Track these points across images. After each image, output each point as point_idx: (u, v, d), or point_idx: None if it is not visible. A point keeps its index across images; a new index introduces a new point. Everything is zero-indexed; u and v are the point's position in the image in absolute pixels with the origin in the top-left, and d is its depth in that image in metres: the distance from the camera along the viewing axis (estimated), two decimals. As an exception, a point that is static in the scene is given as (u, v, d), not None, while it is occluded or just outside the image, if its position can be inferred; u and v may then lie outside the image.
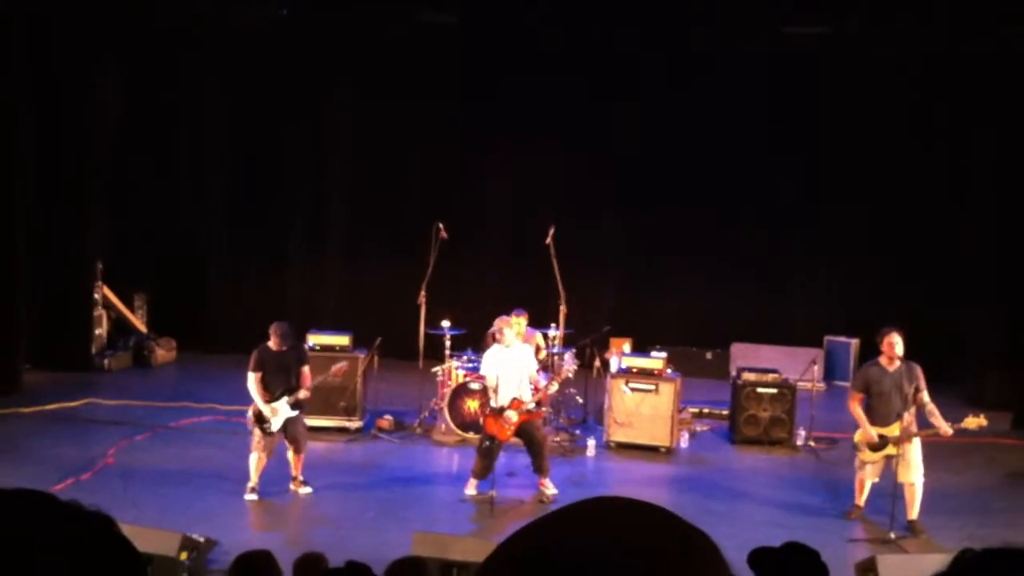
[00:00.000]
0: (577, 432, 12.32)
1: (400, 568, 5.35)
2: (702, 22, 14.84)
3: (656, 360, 12.06)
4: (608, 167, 15.81)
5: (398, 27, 15.45)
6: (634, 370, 11.92)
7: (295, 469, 9.92)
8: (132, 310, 16.13)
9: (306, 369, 9.88)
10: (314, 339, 12.14)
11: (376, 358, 12.36)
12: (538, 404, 10.37)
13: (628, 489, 10.35)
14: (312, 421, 11.11)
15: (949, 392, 12.07)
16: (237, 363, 10.10)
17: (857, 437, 9.42)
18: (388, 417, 12.30)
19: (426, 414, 12.35)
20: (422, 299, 12.67)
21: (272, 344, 9.73)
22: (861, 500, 9.59)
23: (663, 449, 11.69)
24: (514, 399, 9.88)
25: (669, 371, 11.99)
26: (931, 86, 15.00)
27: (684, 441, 12.07)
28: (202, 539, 7.82)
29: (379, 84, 15.80)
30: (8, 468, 10.10)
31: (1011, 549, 1.25)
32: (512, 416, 9.84)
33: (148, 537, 6.88)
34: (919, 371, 9.22)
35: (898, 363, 9.20)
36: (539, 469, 10.04)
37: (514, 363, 10.03)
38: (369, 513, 9.50)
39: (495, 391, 9.98)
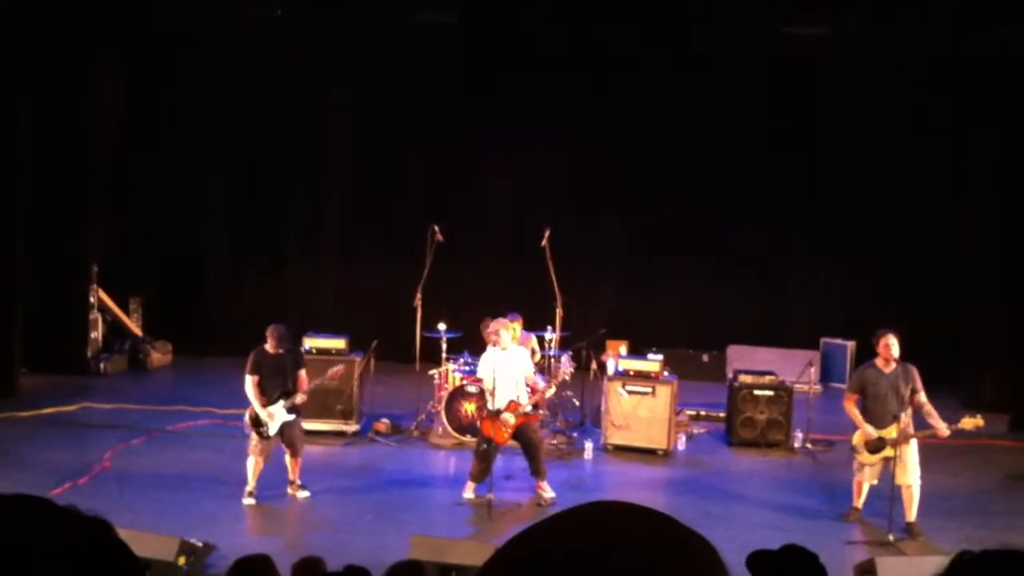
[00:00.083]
0: (574, 435, 12.31)
1: (398, 572, 5.34)
2: (702, 22, 14.85)
3: (653, 362, 12.06)
4: (608, 167, 15.81)
5: (397, 27, 15.45)
6: (631, 372, 11.93)
7: (292, 473, 9.91)
8: (128, 313, 16.11)
9: (303, 372, 9.87)
10: (311, 342, 12.13)
11: (373, 361, 12.35)
12: (535, 407, 10.37)
13: (625, 492, 10.35)
14: (309, 425, 11.10)
15: (947, 393, 12.08)
16: (234, 366, 10.10)
17: (855, 439, 9.42)
18: (385, 420, 12.29)
19: (423, 417, 12.34)
20: (418, 302, 12.67)
21: (269, 347, 9.72)
22: (859, 502, 9.59)
23: (660, 452, 11.69)
24: (511, 402, 9.88)
25: (666, 373, 11.98)
26: (931, 86, 15.02)
27: (681, 444, 12.07)
28: (200, 543, 7.81)
29: (378, 85, 15.80)
30: (4, 473, 10.07)
31: (1008, 551, 1.25)
32: (509, 418, 9.83)
33: (146, 542, 6.87)
34: (915, 373, 9.23)
35: (894, 365, 9.21)
36: (536, 472, 10.03)
37: (510, 365, 10.03)
38: (367, 517, 9.49)
39: (492, 394, 9.98)
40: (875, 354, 9.38)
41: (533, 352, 11.79)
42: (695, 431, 12.68)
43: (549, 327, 12.64)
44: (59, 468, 10.30)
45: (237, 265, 16.39)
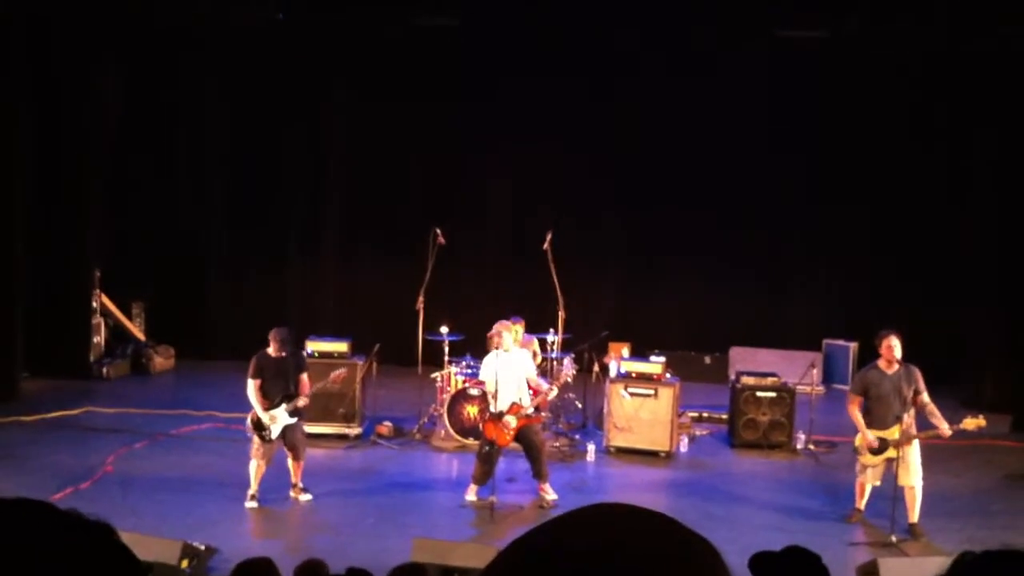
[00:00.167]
0: (576, 437, 12.31)
1: (400, 575, 5.34)
2: (702, 22, 14.85)
3: (655, 364, 12.05)
4: (608, 167, 15.81)
5: (397, 28, 15.46)
6: (633, 374, 11.92)
7: (295, 476, 9.91)
8: (130, 318, 16.12)
9: (305, 376, 9.87)
10: (313, 346, 12.13)
11: (375, 364, 12.35)
12: (537, 409, 10.36)
13: (628, 494, 10.34)
14: (311, 428, 11.11)
15: (948, 394, 12.06)
16: (236, 370, 10.10)
17: (858, 441, 9.41)
18: (387, 423, 12.29)
19: (425, 420, 12.34)
20: (420, 305, 12.67)
21: (271, 350, 9.72)
22: (861, 503, 9.59)
23: (662, 454, 11.68)
24: (513, 404, 9.88)
25: (668, 375, 11.98)
26: (931, 86, 15.01)
27: (683, 445, 12.06)
28: (202, 547, 7.82)
29: (378, 85, 15.81)
30: (7, 476, 10.08)
31: (1010, 551, 1.25)
32: (511, 421, 9.83)
33: (149, 545, 6.88)
34: (918, 373, 9.22)
35: (897, 366, 9.20)
36: (538, 474, 10.03)
37: (512, 368, 10.03)
38: (369, 519, 9.49)
39: (494, 396, 9.97)
40: (877, 355, 9.38)
41: (535, 355, 11.78)
42: (697, 433, 12.67)
43: (551, 329, 12.64)
44: (61, 472, 10.31)
45: (237, 266, 16.39)
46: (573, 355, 12.48)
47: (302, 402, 9.74)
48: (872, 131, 15.29)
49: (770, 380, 12.39)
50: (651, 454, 11.67)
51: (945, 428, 9.00)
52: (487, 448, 9.88)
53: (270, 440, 9.60)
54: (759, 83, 15.35)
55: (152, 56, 15.71)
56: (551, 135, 15.44)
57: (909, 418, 9.17)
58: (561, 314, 12.65)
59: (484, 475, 9.86)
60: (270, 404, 9.60)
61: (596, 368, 12.82)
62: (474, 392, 11.64)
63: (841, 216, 15.56)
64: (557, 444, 11.80)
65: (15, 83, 13.52)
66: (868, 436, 9.21)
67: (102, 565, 1.15)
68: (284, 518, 9.73)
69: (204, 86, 16.08)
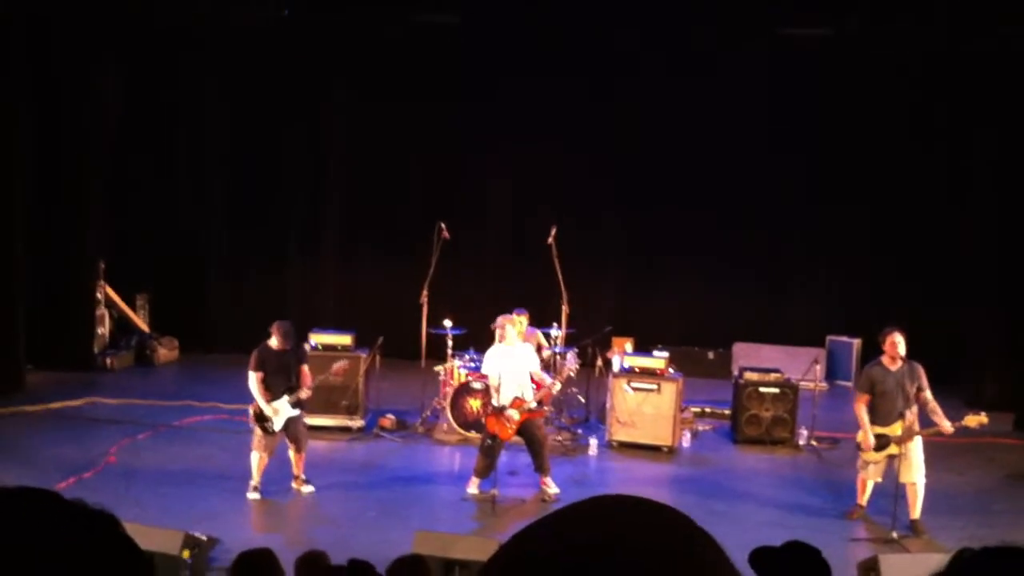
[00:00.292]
0: (579, 431, 12.32)
1: (402, 567, 5.35)
2: (702, 22, 14.85)
3: (658, 360, 12.05)
4: (608, 167, 15.82)
5: (397, 28, 15.47)
6: (636, 369, 11.92)
7: (296, 468, 9.93)
8: (134, 309, 16.15)
9: (306, 368, 9.88)
10: (316, 338, 12.15)
11: (378, 357, 12.36)
12: (540, 403, 10.37)
13: (630, 489, 10.28)
14: (314, 420, 11.13)
15: (949, 393, 12.04)
16: (239, 362, 10.12)
17: (860, 437, 9.42)
18: (390, 416, 12.31)
19: (428, 413, 12.35)
20: (424, 299, 12.67)
21: (274, 343, 9.72)
22: (863, 500, 9.59)
23: (665, 449, 11.69)
24: (516, 398, 9.88)
25: (671, 371, 11.98)
26: (931, 86, 15.01)
27: (686, 441, 12.07)
28: (204, 537, 7.82)
29: (378, 85, 15.82)
30: (11, 467, 10.10)
31: (1008, 548, 1.25)
32: (514, 415, 9.84)
33: (150, 535, 6.88)
34: (921, 370, 9.22)
35: (900, 363, 9.20)
36: (540, 468, 10.04)
37: (516, 362, 10.03)
38: (371, 512, 9.51)
39: (497, 390, 9.98)
40: (880, 352, 9.38)
41: (539, 348, 11.78)
42: (700, 428, 12.68)
43: (555, 324, 12.64)
44: (65, 463, 10.33)
45: (237, 265, 16.42)
46: (576, 350, 12.49)
47: (305, 394, 9.75)
48: (872, 131, 15.30)
49: (773, 376, 12.40)
50: (654, 449, 11.68)
51: (947, 425, 9.00)
52: (489, 442, 9.89)
53: (273, 432, 9.61)
54: (759, 83, 15.35)
55: (152, 56, 15.74)
56: (551, 135, 15.44)
57: (912, 415, 9.18)
58: (565, 308, 12.66)
59: (486, 468, 9.87)
60: (272, 396, 9.61)
61: (599, 363, 12.83)
62: (477, 386, 11.65)
63: (842, 215, 15.57)
64: (560, 438, 11.81)
65: (15, 83, 13.53)
66: (868, 437, 9.22)
67: (106, 555, 1.15)
68: (286, 510, 9.74)
69: (204, 86, 16.11)
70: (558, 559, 1.06)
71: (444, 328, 12.53)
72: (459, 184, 15.83)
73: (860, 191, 15.47)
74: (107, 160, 15.56)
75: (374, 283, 16.07)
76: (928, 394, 9.18)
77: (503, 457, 10.14)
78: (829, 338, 15.61)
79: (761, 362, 13.83)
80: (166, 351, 15.82)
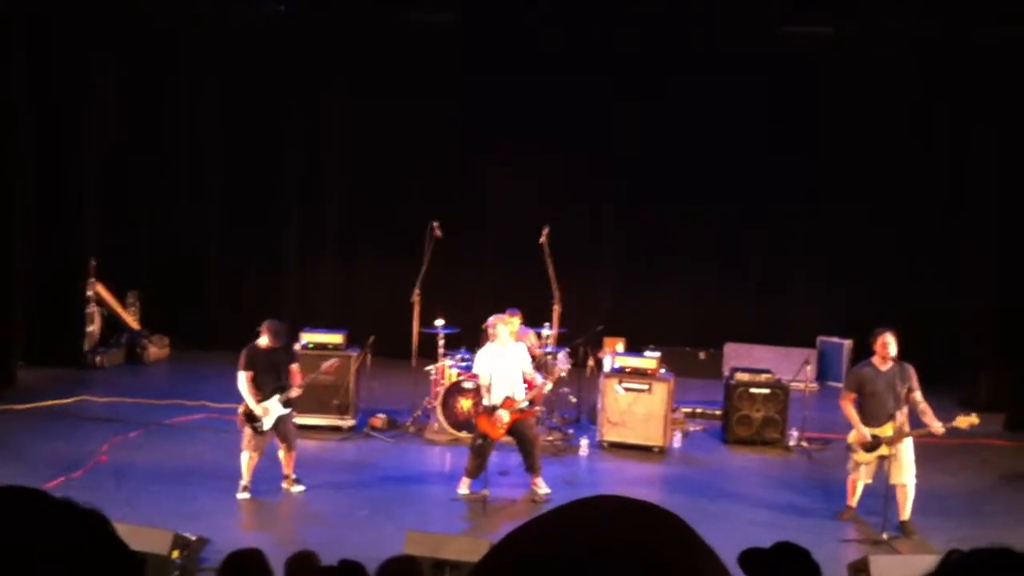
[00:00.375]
0: (570, 431, 12.31)
1: (393, 567, 5.34)
2: (702, 21, 14.86)
3: (649, 360, 12.05)
4: (606, 167, 15.83)
5: (397, 27, 15.46)
6: (627, 370, 11.92)
7: (287, 467, 9.91)
8: (125, 307, 16.11)
9: (295, 367, 9.87)
10: (307, 337, 12.13)
11: (369, 356, 12.35)
12: (531, 403, 10.37)
13: (621, 489, 10.33)
14: (305, 419, 11.13)
15: (943, 393, 12.08)
16: (230, 360, 10.10)
17: (851, 438, 9.43)
18: (381, 416, 12.29)
19: (419, 413, 12.34)
20: (416, 298, 12.66)
21: (263, 342, 9.70)
22: (853, 501, 9.61)
23: (656, 449, 11.70)
24: (507, 398, 9.88)
25: (662, 371, 11.98)
26: (931, 86, 15.03)
27: (677, 441, 12.07)
28: (194, 537, 7.81)
29: (377, 84, 15.81)
30: (1, 465, 10.07)
31: (997, 549, 1.25)
32: (504, 415, 9.83)
33: (140, 535, 6.87)
34: (912, 371, 9.24)
35: (891, 363, 9.22)
36: (531, 468, 10.04)
37: (507, 361, 10.03)
38: (362, 512, 9.50)
39: (488, 390, 9.97)
40: (872, 353, 9.40)
41: (532, 347, 11.77)
42: (691, 428, 12.69)
43: (546, 324, 12.64)
44: (55, 461, 10.31)
45: (236, 265, 16.39)
46: (568, 350, 12.50)
47: (295, 393, 9.74)
48: (871, 130, 15.32)
49: (764, 377, 12.42)
50: (644, 449, 11.68)
51: (938, 426, 9.02)
52: (480, 441, 9.89)
53: (263, 432, 9.59)
54: (760, 82, 15.35)
55: (151, 56, 15.72)
56: (551, 135, 15.43)
57: (902, 416, 9.19)
58: (556, 308, 12.66)
59: (477, 468, 9.87)
60: (262, 396, 9.59)
61: (591, 363, 12.83)
62: (468, 385, 11.63)
63: (835, 215, 15.59)
64: (550, 438, 11.81)
65: (15, 83, 13.51)
66: (862, 430, 9.23)
67: (96, 555, 1.15)
68: (276, 509, 9.73)
69: (203, 85, 16.10)
70: (550, 560, 1.06)
71: (436, 327, 12.52)
72: (458, 184, 15.81)
73: (855, 191, 15.49)
74: (105, 159, 15.54)
75: (372, 283, 16.06)
76: (918, 395, 9.20)
77: (494, 457, 10.13)
78: (820, 339, 15.64)
79: (752, 363, 13.85)
80: (156, 349, 15.79)
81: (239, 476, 9.65)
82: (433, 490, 10.26)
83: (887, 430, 9.14)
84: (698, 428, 12.83)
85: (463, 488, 9.97)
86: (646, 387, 11.75)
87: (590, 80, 15.43)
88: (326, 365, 10.66)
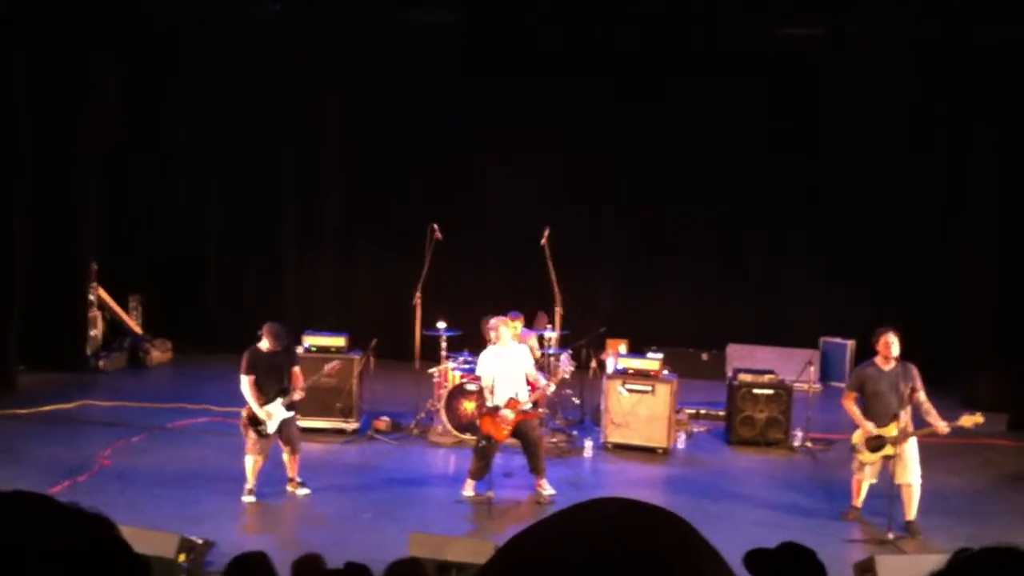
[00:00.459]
0: (574, 433, 12.31)
1: (399, 569, 5.35)
2: (702, 22, 14.86)
3: (652, 361, 12.05)
4: (607, 167, 15.82)
5: (396, 26, 15.47)
6: (630, 371, 11.92)
7: (291, 470, 9.91)
8: (127, 311, 16.12)
9: (297, 369, 9.86)
10: (310, 340, 12.13)
11: (372, 359, 12.35)
12: (535, 404, 10.36)
13: (624, 490, 10.34)
14: (308, 422, 11.13)
15: (945, 393, 12.06)
16: (233, 363, 10.10)
17: (855, 438, 9.43)
18: (385, 418, 12.29)
19: (423, 415, 12.34)
20: (417, 300, 12.66)
21: (265, 345, 9.69)
22: (858, 501, 9.60)
23: (660, 450, 11.69)
24: (510, 399, 9.88)
25: (665, 372, 11.98)
26: (931, 86, 15.02)
27: (680, 442, 12.07)
28: (199, 541, 7.81)
29: (376, 83, 15.81)
30: (4, 470, 10.09)
31: (1007, 548, 1.25)
32: (508, 416, 9.83)
33: (146, 539, 6.87)
34: (915, 371, 9.23)
35: (894, 363, 9.22)
36: (535, 470, 10.03)
37: (510, 363, 10.03)
38: (366, 514, 9.49)
39: (491, 391, 9.97)
40: (875, 353, 9.39)
41: (532, 350, 11.77)
42: (694, 429, 12.69)
43: (549, 325, 12.64)
44: (59, 465, 10.31)
45: (236, 265, 16.40)
46: (571, 351, 12.50)
47: (298, 396, 9.74)
48: (871, 130, 15.31)
49: (767, 377, 12.41)
50: (648, 450, 11.68)
51: (942, 426, 9.01)
52: (484, 443, 9.88)
53: (267, 435, 9.59)
54: (759, 83, 15.34)
55: (151, 56, 15.74)
56: (551, 135, 15.43)
57: (906, 416, 9.19)
58: (558, 310, 12.65)
59: (481, 470, 9.86)
60: (265, 399, 9.59)
61: (594, 364, 12.83)
62: (471, 387, 11.63)
63: (837, 215, 15.58)
64: (554, 440, 11.81)
65: (15, 83, 13.52)
66: (867, 426, 9.21)
67: (102, 559, 1.15)
68: (281, 512, 9.73)
69: (203, 85, 16.11)
70: (552, 564, 1.06)
71: (438, 330, 12.52)
72: (458, 184, 15.82)
73: (855, 191, 15.48)
74: (105, 159, 15.55)
75: (372, 283, 16.07)
76: (922, 395, 9.19)
77: (498, 459, 10.14)
78: (823, 339, 15.63)
79: (755, 363, 13.84)
80: (159, 353, 15.80)
81: (243, 479, 9.65)
82: (437, 492, 10.25)
83: (891, 430, 9.14)
84: (702, 429, 12.82)
85: (467, 490, 9.97)
86: (649, 388, 11.75)
87: (590, 80, 15.43)
88: (328, 367, 10.65)
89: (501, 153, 15.71)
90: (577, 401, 12.95)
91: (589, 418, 12.78)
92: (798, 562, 3.79)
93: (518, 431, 9.94)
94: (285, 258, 16.52)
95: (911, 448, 9.19)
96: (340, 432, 11.95)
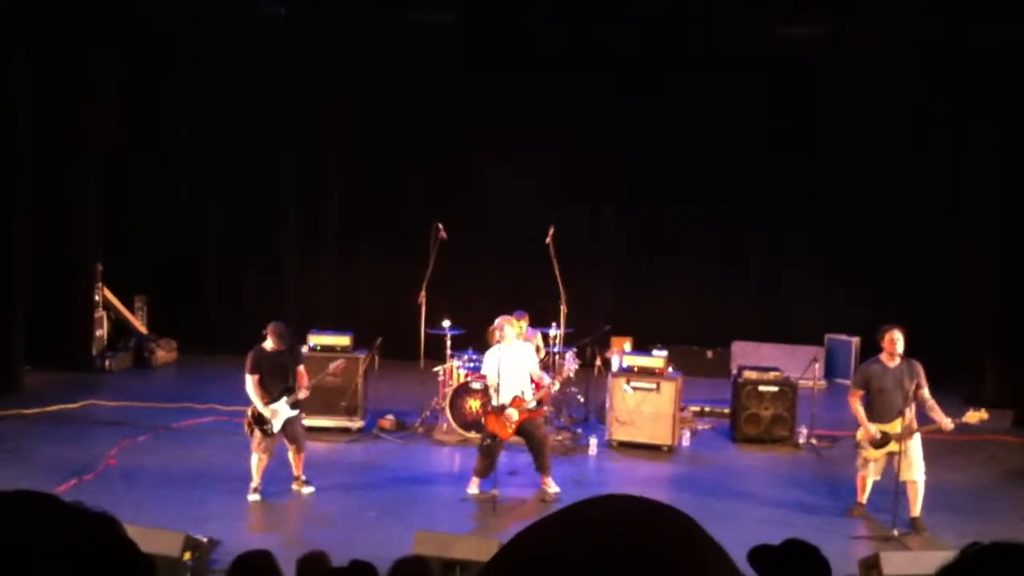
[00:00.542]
0: (579, 431, 12.32)
1: (404, 567, 5.35)
2: (702, 22, 14.85)
3: (657, 359, 12.04)
4: (608, 167, 15.82)
5: (397, 27, 15.46)
6: (635, 369, 11.92)
7: (296, 469, 9.92)
8: (132, 311, 16.14)
9: (302, 368, 9.87)
10: (315, 339, 12.14)
11: (377, 358, 12.36)
12: (540, 403, 10.37)
13: (629, 488, 10.33)
14: (314, 421, 11.14)
15: (949, 390, 12.06)
16: (237, 363, 10.11)
17: (859, 435, 9.43)
18: (390, 417, 12.30)
19: (427, 414, 12.35)
20: (422, 299, 12.67)
21: (269, 345, 9.71)
22: (863, 498, 9.60)
23: (664, 448, 11.69)
24: (515, 397, 9.88)
25: (670, 370, 11.98)
26: (931, 86, 15.00)
27: (685, 440, 12.07)
28: (205, 539, 7.83)
29: (377, 84, 15.81)
30: (10, 469, 10.11)
31: (1017, 544, 1.24)
32: (513, 414, 9.84)
33: (151, 537, 6.88)
34: (919, 368, 9.23)
35: (899, 360, 9.21)
36: (541, 468, 10.04)
37: (515, 362, 10.03)
38: (371, 513, 9.50)
39: (496, 390, 9.98)
40: (879, 350, 9.38)
41: (538, 349, 11.78)
42: (699, 427, 12.68)
43: (553, 324, 12.64)
44: (65, 465, 10.33)
45: (236, 266, 16.39)
46: (575, 349, 12.50)
47: (303, 394, 9.75)
48: (871, 130, 15.29)
49: (772, 375, 12.40)
50: (653, 448, 11.68)
51: (947, 422, 9.01)
52: (489, 441, 9.89)
53: (272, 434, 9.61)
54: (759, 82, 15.33)
55: (152, 56, 15.74)
56: (551, 135, 15.43)
57: (910, 412, 9.18)
58: (563, 308, 12.65)
59: (486, 468, 9.87)
60: (270, 398, 9.60)
61: (598, 362, 12.83)
62: (476, 386, 11.64)
63: (837, 214, 15.57)
64: (559, 438, 11.81)
65: (15, 83, 13.53)
66: (870, 429, 9.22)
67: (107, 558, 1.15)
68: (286, 511, 9.74)
69: (203, 86, 16.11)
70: (555, 561, 1.06)
71: (443, 328, 12.53)
72: (458, 184, 15.82)
73: (859, 190, 15.46)
74: (105, 159, 15.56)
75: (374, 283, 16.07)
76: (926, 392, 9.19)
77: (503, 457, 10.14)
78: (828, 336, 15.62)
79: (760, 361, 13.82)
80: (164, 353, 15.81)
81: (248, 478, 9.67)
82: (442, 491, 10.26)
83: (895, 427, 9.13)
84: (706, 427, 12.82)
85: (472, 488, 9.98)
86: (654, 386, 11.75)
87: (590, 80, 15.42)
88: (333, 366, 10.67)
89: (501, 153, 15.70)
90: (582, 399, 12.95)
91: (594, 416, 12.79)
92: (802, 558, 3.79)
93: (523, 429, 9.95)
94: (286, 259, 16.51)
95: (916, 445, 9.18)
96: (345, 431, 11.96)
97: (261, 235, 16.32)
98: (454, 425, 11.87)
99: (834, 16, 14.84)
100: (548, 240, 12.59)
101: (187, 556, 7.34)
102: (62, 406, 12.71)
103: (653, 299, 16.04)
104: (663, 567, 1.06)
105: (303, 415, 10.02)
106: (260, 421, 9.58)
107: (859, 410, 9.31)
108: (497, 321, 10.55)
